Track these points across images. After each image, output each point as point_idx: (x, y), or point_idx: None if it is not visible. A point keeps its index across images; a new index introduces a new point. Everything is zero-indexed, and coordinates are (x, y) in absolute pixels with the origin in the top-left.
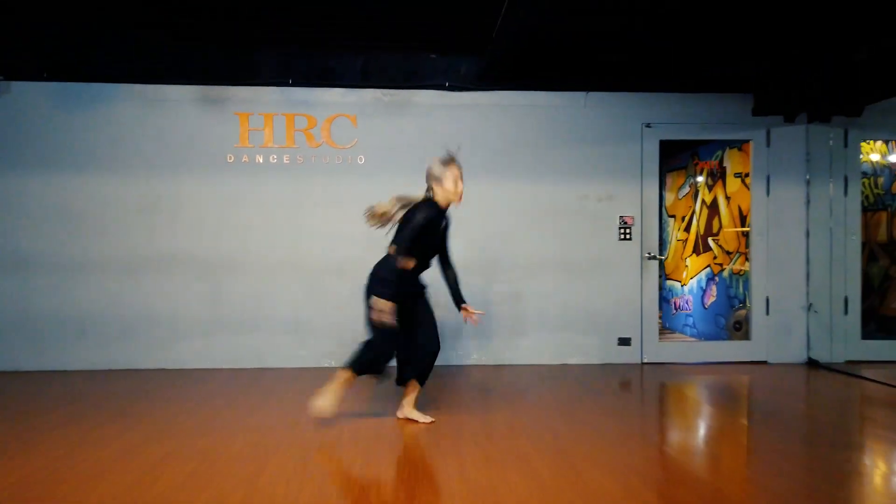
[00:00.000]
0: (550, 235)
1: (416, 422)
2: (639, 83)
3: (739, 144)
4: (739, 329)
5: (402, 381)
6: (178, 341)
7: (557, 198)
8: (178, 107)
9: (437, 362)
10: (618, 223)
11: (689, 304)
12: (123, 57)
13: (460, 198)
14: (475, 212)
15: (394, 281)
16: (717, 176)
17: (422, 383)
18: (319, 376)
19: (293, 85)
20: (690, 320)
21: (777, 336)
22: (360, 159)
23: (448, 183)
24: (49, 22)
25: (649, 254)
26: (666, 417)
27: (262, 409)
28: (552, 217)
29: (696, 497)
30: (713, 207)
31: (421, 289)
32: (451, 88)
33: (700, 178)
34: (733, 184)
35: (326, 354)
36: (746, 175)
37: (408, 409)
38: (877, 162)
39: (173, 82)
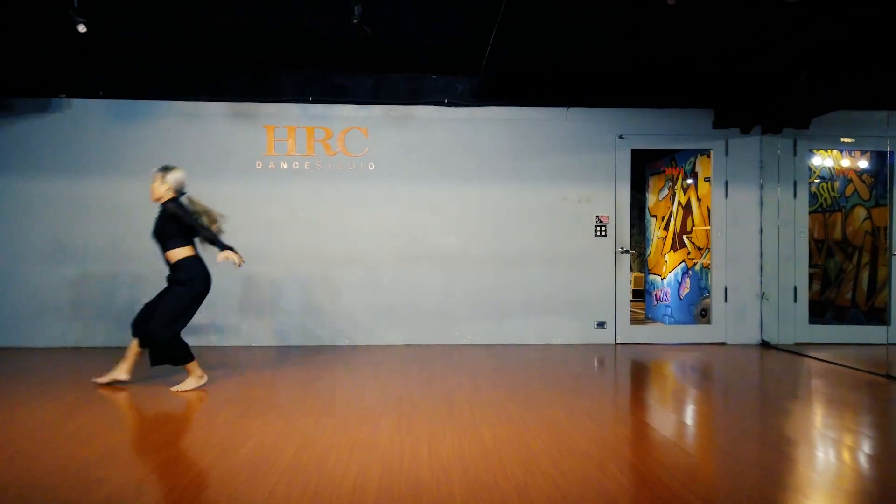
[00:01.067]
0: (536, 232)
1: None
2: (613, 100)
3: (708, 152)
4: (705, 315)
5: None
6: (211, 322)
7: (542, 199)
8: (213, 121)
9: (437, 341)
10: (594, 221)
11: (668, 295)
12: (166, 78)
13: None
14: (470, 211)
15: None
16: (689, 180)
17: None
18: (335, 352)
19: (313, 102)
20: (669, 310)
21: (734, 320)
22: (371, 166)
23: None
24: (104, 48)
25: (622, 248)
26: (636, 388)
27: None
28: (537, 216)
29: (662, 455)
30: (687, 208)
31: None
32: (449, 104)
33: (689, 181)
34: (704, 187)
35: (340, 333)
36: None
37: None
38: (832, 168)
39: (209, 99)
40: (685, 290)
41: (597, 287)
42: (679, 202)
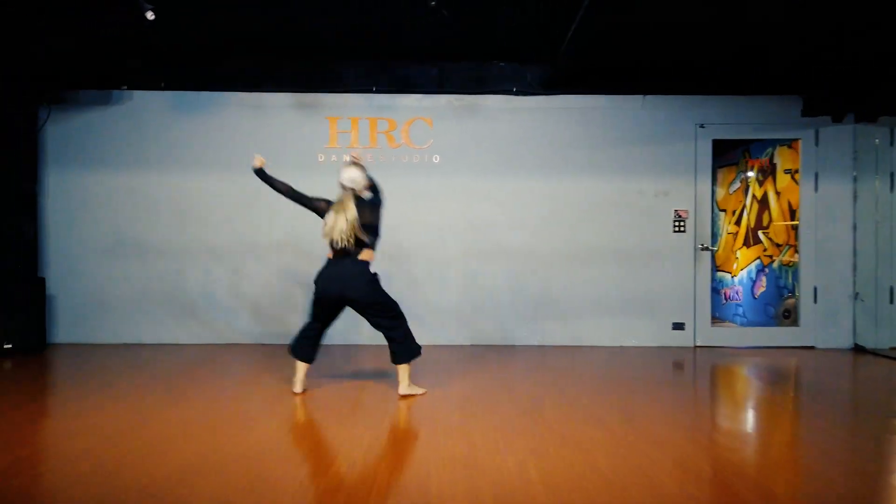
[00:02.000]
0: (610, 227)
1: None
2: (693, 86)
3: (790, 142)
4: (788, 317)
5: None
6: (272, 318)
7: (615, 192)
8: (275, 112)
9: (503, 342)
10: (672, 216)
11: (739, 294)
12: (228, 69)
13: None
14: (538, 205)
15: None
16: (768, 172)
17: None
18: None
19: (376, 92)
20: (740, 310)
21: (824, 323)
22: (436, 158)
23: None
24: (166, 38)
25: (702, 245)
26: (719, 396)
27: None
28: (611, 210)
29: (743, 477)
30: (763, 202)
31: None
32: (518, 93)
33: (751, 174)
34: (783, 179)
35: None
36: (796, 171)
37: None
38: None
39: (271, 90)
40: (760, 289)
41: (674, 286)
42: (754, 195)
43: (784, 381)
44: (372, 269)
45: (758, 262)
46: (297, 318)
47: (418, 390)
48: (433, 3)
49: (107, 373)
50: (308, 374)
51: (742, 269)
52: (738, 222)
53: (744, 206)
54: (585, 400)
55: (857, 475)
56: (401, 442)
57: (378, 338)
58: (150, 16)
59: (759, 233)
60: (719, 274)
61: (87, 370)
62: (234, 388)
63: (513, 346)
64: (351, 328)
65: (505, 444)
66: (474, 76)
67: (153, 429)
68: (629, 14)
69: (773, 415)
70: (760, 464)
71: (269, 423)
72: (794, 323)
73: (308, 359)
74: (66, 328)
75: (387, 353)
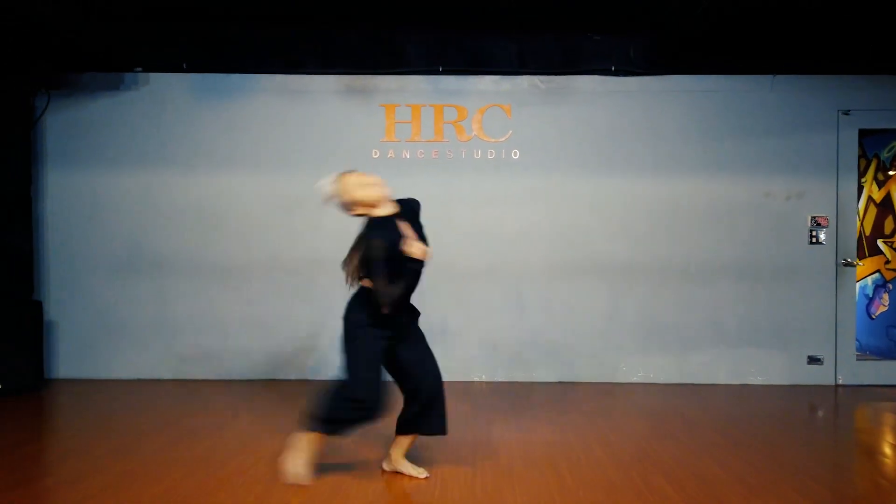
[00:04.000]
0: (730, 238)
1: (408, 476)
2: (835, 65)
3: None
4: None
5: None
6: (319, 350)
7: (737, 195)
8: (320, 98)
9: (598, 378)
10: (808, 224)
11: None
12: (264, 47)
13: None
14: (641, 210)
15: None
16: (889, 169)
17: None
18: (467, 388)
19: (442, 73)
20: None
21: None
22: (515, 153)
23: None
24: (187, 11)
25: (846, 260)
26: (869, 457)
27: None
28: (731, 217)
29: None
30: (885, 205)
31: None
32: (618, 73)
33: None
34: None
35: (474, 366)
36: None
37: (398, 461)
38: None
39: (315, 72)
40: (880, 308)
41: (810, 311)
42: (871, 198)
43: None
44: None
45: (876, 275)
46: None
47: (295, 468)
48: None
49: (118, 417)
50: None
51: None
52: None
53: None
54: (731, 466)
55: None
56: None
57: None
58: None
59: (878, 242)
60: None
61: (92, 414)
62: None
63: (611, 384)
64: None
65: None
66: (563, 52)
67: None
68: None
69: None
70: None
71: None
72: None
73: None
74: (67, 361)
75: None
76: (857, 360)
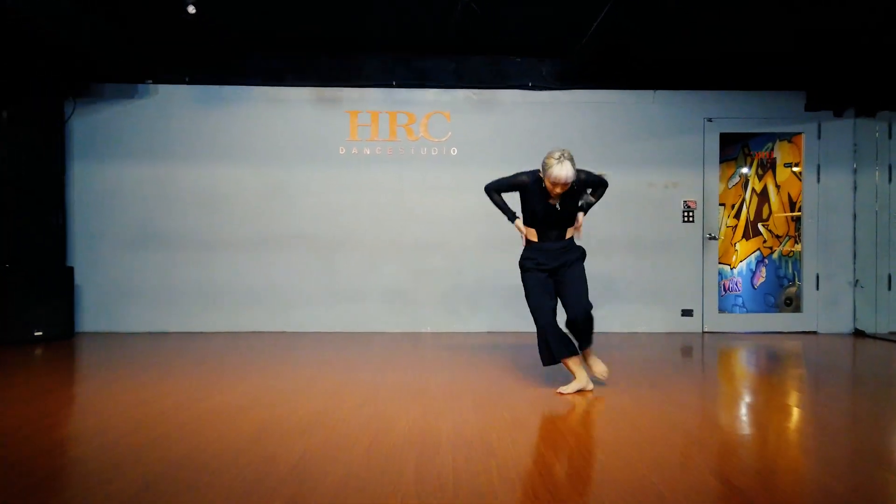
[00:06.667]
0: (621, 218)
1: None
2: (701, 82)
3: (789, 137)
4: (790, 304)
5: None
6: (296, 308)
7: (627, 185)
8: (297, 106)
9: (513, 328)
10: (682, 207)
11: (739, 285)
12: (252, 64)
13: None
14: None
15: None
16: (767, 166)
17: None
18: (419, 340)
19: (395, 86)
20: (740, 300)
21: (826, 309)
22: (454, 151)
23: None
24: (189, 34)
25: (710, 234)
26: (729, 379)
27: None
28: (623, 202)
29: (755, 456)
30: (763, 195)
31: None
32: (533, 88)
33: (745, 170)
34: (783, 173)
35: (423, 320)
36: (796, 165)
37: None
38: None
39: (293, 85)
40: (760, 280)
41: (683, 274)
42: (753, 189)
43: (792, 364)
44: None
45: (757, 253)
46: (318, 307)
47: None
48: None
49: (137, 359)
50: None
51: (741, 261)
52: (737, 216)
53: (743, 200)
54: (626, 382)
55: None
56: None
57: None
58: (191, 9)
59: (759, 225)
60: (719, 266)
61: (117, 357)
62: (280, 368)
63: (530, 333)
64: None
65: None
66: (491, 70)
67: (206, 405)
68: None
69: (778, 403)
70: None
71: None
72: (797, 309)
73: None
74: (92, 317)
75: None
76: (719, 312)
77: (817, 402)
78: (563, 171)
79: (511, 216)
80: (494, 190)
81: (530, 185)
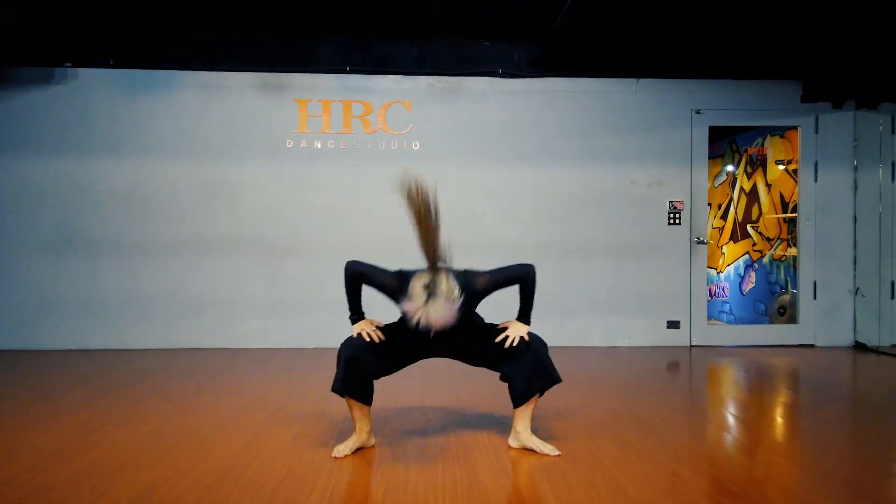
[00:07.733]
0: (602, 220)
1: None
2: (688, 69)
3: (781, 132)
4: (783, 314)
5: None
6: (239, 322)
7: (608, 183)
8: (238, 94)
9: None
10: (667, 208)
11: (726, 290)
12: (187, 45)
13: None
14: (527, 196)
15: None
16: (757, 163)
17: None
18: None
19: (350, 72)
20: (727, 307)
21: (824, 320)
22: (415, 145)
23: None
24: (115, 11)
25: (698, 238)
26: (718, 400)
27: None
28: (603, 202)
29: (746, 478)
30: (752, 195)
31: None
32: (504, 75)
33: (731, 167)
34: (774, 171)
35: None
36: (789, 162)
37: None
38: None
39: (234, 70)
40: (749, 285)
41: (669, 282)
42: (742, 188)
43: (787, 383)
44: None
45: (746, 257)
46: (264, 320)
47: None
48: None
49: (48, 383)
50: None
51: (728, 265)
52: (724, 216)
53: (730, 200)
54: (603, 406)
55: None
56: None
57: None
58: None
59: (748, 227)
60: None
61: (26, 381)
62: (196, 398)
63: None
64: None
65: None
66: (457, 56)
67: (103, 449)
68: None
69: (771, 425)
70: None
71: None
72: (792, 320)
73: None
74: (4, 333)
75: None
76: (708, 324)
77: (815, 438)
78: (434, 318)
79: (353, 315)
80: (352, 277)
81: (399, 300)
